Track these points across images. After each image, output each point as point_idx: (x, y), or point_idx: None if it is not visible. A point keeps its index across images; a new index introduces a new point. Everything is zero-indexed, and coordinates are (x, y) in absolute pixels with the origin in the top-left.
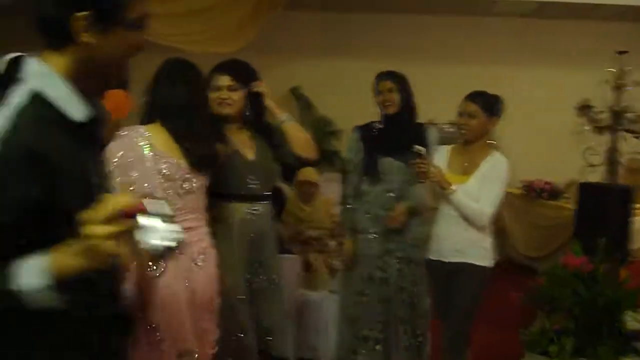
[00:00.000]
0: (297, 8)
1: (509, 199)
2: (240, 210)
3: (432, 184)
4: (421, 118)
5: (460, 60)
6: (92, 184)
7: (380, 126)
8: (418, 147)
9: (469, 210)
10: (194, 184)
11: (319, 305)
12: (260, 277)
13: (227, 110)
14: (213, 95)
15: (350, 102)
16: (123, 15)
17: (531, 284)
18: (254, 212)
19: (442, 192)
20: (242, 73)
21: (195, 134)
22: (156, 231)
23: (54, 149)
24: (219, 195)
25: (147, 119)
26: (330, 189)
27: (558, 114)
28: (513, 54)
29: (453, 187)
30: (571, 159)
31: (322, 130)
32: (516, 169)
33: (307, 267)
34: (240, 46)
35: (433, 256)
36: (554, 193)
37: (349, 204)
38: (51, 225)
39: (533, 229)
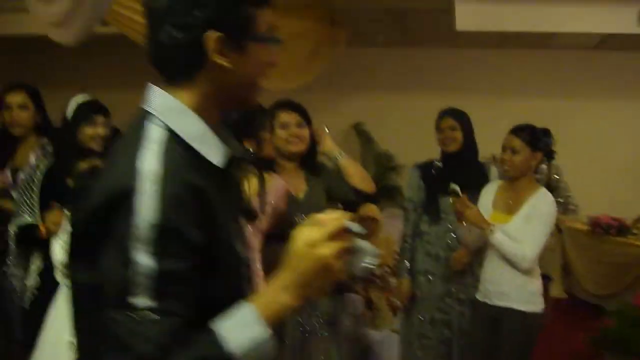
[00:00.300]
0: (358, 45)
1: (573, 235)
2: None
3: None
4: (486, 153)
5: (524, 94)
6: (231, 228)
7: (440, 164)
8: (453, 186)
9: (508, 253)
10: None
11: (381, 344)
12: (313, 320)
13: (297, 148)
14: (281, 133)
15: (412, 137)
16: (255, 28)
17: (599, 324)
18: None
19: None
20: (305, 111)
21: None
22: (365, 252)
23: (208, 191)
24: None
25: None
26: (391, 225)
27: (625, 147)
28: (577, 87)
29: (492, 227)
30: (639, 194)
31: (384, 165)
32: (582, 205)
33: (370, 305)
34: (304, 83)
35: (479, 297)
36: (621, 229)
37: (407, 243)
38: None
39: (600, 266)
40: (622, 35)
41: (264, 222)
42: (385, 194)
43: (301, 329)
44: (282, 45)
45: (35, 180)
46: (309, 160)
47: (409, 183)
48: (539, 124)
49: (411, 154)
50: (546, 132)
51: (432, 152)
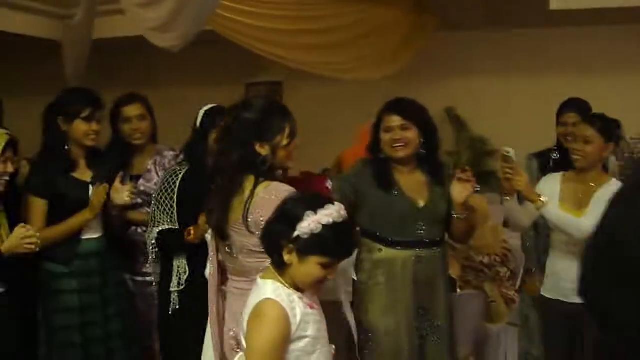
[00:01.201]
0: (448, 29)
1: None
2: (406, 257)
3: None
4: None
5: (621, 72)
6: None
7: (557, 156)
8: (507, 149)
9: (564, 224)
10: None
11: (497, 338)
12: (426, 323)
13: (403, 153)
14: (386, 137)
15: (505, 121)
16: None
17: None
18: (420, 258)
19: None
20: (412, 110)
21: None
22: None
23: None
24: (383, 240)
25: None
26: (491, 211)
27: None
28: None
29: (544, 199)
30: None
31: (479, 150)
32: None
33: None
34: (395, 70)
35: (549, 294)
36: None
37: (529, 236)
38: None
39: None
40: None
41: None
42: (481, 179)
43: (418, 332)
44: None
45: (174, 188)
46: (428, 159)
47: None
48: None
49: (506, 138)
50: (619, 124)
51: (526, 135)
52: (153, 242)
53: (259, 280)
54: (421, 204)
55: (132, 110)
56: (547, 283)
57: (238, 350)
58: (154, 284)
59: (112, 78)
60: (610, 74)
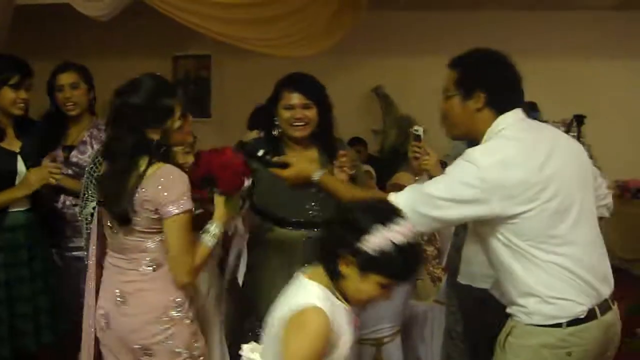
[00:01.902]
0: (378, 7)
1: None
2: (297, 237)
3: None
4: None
5: (547, 56)
6: None
7: None
8: (416, 127)
9: None
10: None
11: (424, 316)
12: None
13: (302, 133)
14: (286, 115)
15: (433, 102)
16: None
17: (636, 291)
18: (311, 239)
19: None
20: (314, 88)
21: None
22: None
23: None
24: (276, 221)
25: None
26: None
27: None
28: (600, 48)
29: None
30: None
31: (405, 129)
32: (609, 169)
33: None
34: (325, 48)
35: (463, 280)
36: None
37: None
38: None
39: (629, 230)
40: None
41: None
42: (406, 159)
43: None
44: (304, 10)
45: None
46: (322, 136)
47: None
48: (563, 86)
49: (432, 119)
50: (532, 106)
51: None
52: (87, 217)
53: (305, 280)
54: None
55: (65, 78)
56: (461, 269)
57: (107, 329)
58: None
59: (37, 47)
60: (538, 58)
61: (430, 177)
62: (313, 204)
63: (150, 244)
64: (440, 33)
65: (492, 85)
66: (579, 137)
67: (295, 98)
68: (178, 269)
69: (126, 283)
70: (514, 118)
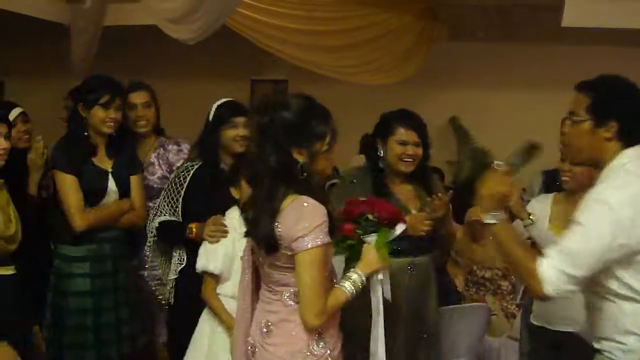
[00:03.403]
0: (456, 38)
1: None
2: (402, 264)
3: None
4: None
5: None
6: None
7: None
8: (498, 162)
9: (547, 245)
10: None
11: (498, 352)
12: (417, 329)
13: (409, 168)
14: (398, 150)
15: (508, 133)
16: None
17: None
18: (414, 264)
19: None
20: (424, 128)
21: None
22: None
23: None
24: None
25: None
26: None
27: None
28: None
29: (533, 217)
30: None
31: (480, 161)
32: None
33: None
34: (403, 77)
35: (537, 321)
36: None
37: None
38: None
39: None
40: None
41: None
42: None
43: (406, 337)
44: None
45: (183, 182)
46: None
47: (531, 187)
48: None
49: (508, 151)
50: None
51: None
52: (153, 231)
53: None
54: (414, 212)
55: (138, 97)
56: (534, 309)
57: (252, 357)
58: (156, 278)
59: (119, 66)
60: None
61: (510, 213)
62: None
63: (292, 278)
64: (518, 65)
65: (627, 116)
66: None
67: (410, 135)
68: (306, 309)
69: (272, 313)
70: (636, 153)
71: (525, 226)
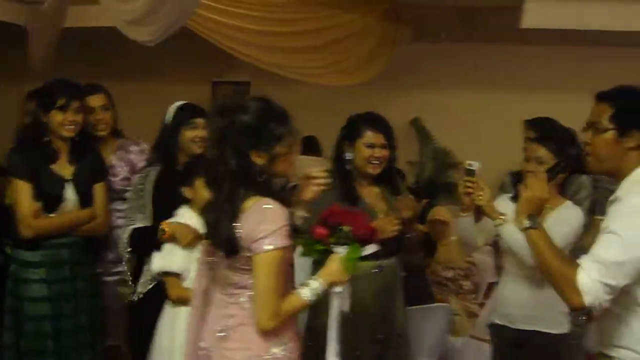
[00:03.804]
0: (420, 40)
1: None
2: (367, 267)
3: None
4: None
5: (590, 90)
6: None
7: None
8: (470, 162)
9: (517, 245)
10: None
11: (460, 352)
12: (385, 332)
13: (377, 170)
14: (365, 153)
15: (470, 133)
16: None
17: None
18: (380, 266)
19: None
20: (390, 130)
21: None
22: None
23: None
24: None
25: None
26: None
27: None
28: None
29: (504, 217)
30: None
31: (442, 162)
32: None
33: None
34: (366, 78)
35: (499, 320)
36: None
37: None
38: None
39: None
40: None
41: None
42: (443, 190)
43: (375, 341)
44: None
45: (149, 187)
46: (388, 180)
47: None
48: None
49: (472, 152)
50: (574, 141)
51: (494, 150)
52: (126, 240)
53: None
54: (380, 216)
55: (96, 101)
56: (497, 308)
57: None
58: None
59: (78, 69)
60: (580, 92)
61: (480, 213)
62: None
63: (250, 280)
64: (479, 66)
65: None
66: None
67: (378, 138)
68: (260, 311)
69: (228, 317)
70: None
71: (495, 226)
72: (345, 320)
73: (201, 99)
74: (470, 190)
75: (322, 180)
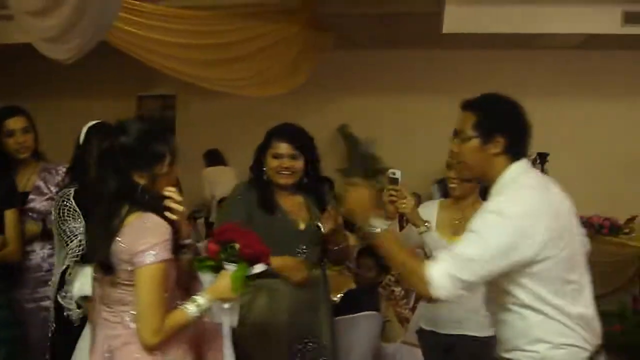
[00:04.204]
0: (343, 47)
1: None
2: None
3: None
4: None
5: (511, 94)
6: None
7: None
8: (393, 170)
9: (439, 251)
10: None
11: (393, 357)
12: (311, 344)
13: (288, 181)
14: (273, 164)
15: (398, 139)
16: None
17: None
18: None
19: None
20: (303, 140)
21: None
22: None
23: None
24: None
25: None
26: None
27: (616, 146)
28: (562, 86)
29: (428, 224)
30: (631, 194)
31: (370, 167)
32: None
33: None
34: (290, 88)
35: (426, 325)
36: (614, 228)
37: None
38: None
39: (592, 266)
40: (606, 35)
41: None
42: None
43: (301, 355)
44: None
45: (70, 206)
46: (310, 187)
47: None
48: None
49: (397, 157)
50: None
51: (421, 156)
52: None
53: None
54: (302, 226)
55: (16, 123)
56: (424, 313)
57: None
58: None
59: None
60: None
61: (405, 220)
62: (304, 246)
63: (132, 296)
64: (404, 72)
65: (513, 131)
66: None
67: (284, 148)
68: (143, 326)
69: (113, 338)
70: (524, 167)
71: (420, 233)
72: (259, 332)
73: (127, 113)
74: (394, 198)
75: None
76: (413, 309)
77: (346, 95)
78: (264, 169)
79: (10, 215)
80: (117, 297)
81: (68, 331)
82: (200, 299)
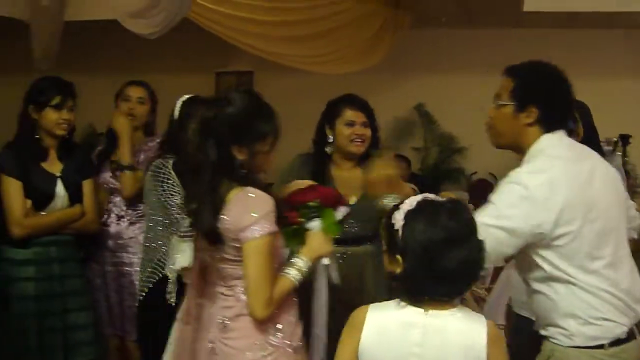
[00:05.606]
0: (420, 25)
1: None
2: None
3: None
4: None
5: (592, 74)
6: None
7: None
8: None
9: None
10: None
11: None
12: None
13: (360, 149)
14: (346, 132)
15: (475, 118)
16: None
17: None
18: (345, 254)
19: None
20: (371, 109)
21: None
22: None
23: None
24: None
25: None
26: None
27: None
28: None
29: None
30: None
31: (447, 147)
32: None
33: None
34: (368, 65)
35: (520, 311)
36: None
37: None
38: None
39: None
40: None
41: None
42: (449, 176)
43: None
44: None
45: (170, 178)
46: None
47: None
48: (608, 105)
49: (474, 136)
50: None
51: None
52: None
53: (461, 311)
54: (353, 200)
55: (135, 91)
56: (518, 298)
57: (212, 354)
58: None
59: (83, 62)
60: (583, 77)
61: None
62: (352, 221)
63: (242, 271)
64: (481, 50)
65: (547, 103)
66: (624, 157)
67: (358, 116)
68: (254, 300)
69: (227, 309)
70: (558, 138)
71: None
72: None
73: (205, 90)
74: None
75: None
76: (488, 290)
77: (423, 74)
78: (330, 140)
79: (87, 185)
80: (228, 273)
81: (157, 307)
82: (300, 262)
